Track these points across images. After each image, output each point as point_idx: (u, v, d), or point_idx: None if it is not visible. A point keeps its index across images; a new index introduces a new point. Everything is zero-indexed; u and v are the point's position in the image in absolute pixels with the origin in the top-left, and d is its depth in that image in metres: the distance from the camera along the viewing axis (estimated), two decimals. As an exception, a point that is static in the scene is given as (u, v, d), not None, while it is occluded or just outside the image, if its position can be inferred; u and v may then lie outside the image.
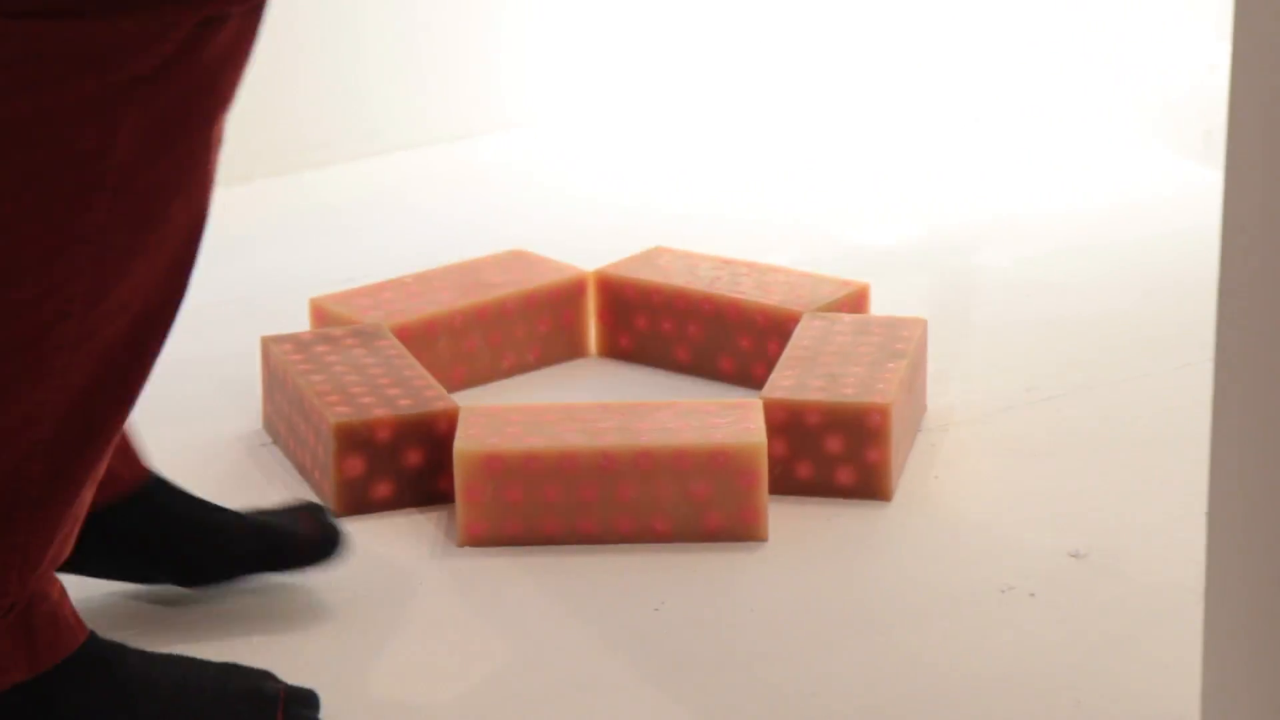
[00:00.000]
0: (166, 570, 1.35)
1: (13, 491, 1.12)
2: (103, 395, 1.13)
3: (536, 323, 1.75)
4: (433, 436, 1.49)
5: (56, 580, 1.18)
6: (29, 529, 1.13)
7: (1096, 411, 1.66)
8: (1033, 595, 1.34)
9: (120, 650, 1.21)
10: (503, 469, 1.42)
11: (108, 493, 1.30)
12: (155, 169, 1.09)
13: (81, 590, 1.32)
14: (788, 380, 1.53)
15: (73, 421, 1.13)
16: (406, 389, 1.52)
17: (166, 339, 1.16)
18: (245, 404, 1.70)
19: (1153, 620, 1.31)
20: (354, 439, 1.47)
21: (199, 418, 1.68)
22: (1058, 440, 1.60)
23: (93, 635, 1.20)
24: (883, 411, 1.48)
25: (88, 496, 1.17)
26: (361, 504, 1.48)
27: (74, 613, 1.19)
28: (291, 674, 1.27)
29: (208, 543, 1.35)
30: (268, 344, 1.62)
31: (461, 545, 1.43)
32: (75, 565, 1.28)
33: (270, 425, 1.63)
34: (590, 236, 2.04)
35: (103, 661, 1.19)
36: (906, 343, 1.59)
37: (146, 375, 1.16)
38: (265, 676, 1.23)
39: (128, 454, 1.34)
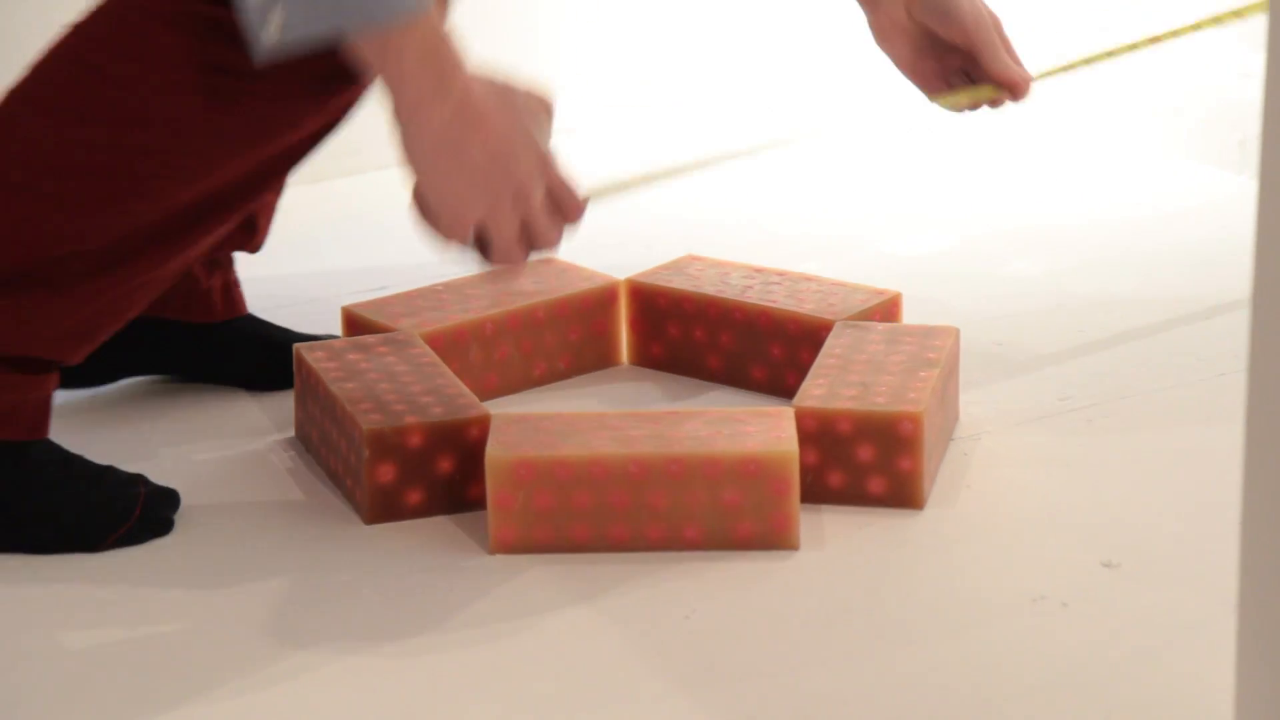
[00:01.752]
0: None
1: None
2: (157, 241, 1.41)
3: (568, 331, 1.75)
4: (464, 444, 1.49)
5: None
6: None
7: (1130, 422, 1.65)
8: (1065, 605, 1.34)
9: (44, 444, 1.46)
10: (533, 476, 1.42)
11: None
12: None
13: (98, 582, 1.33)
14: (819, 389, 1.52)
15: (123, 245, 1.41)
16: (438, 396, 1.52)
17: (224, 223, 1.45)
18: (278, 412, 1.70)
19: (1186, 631, 1.30)
20: (386, 446, 1.47)
21: (233, 425, 1.68)
22: (1091, 450, 1.59)
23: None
24: (914, 420, 1.48)
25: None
26: (393, 510, 1.49)
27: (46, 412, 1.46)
28: (322, 682, 1.28)
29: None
30: (300, 352, 1.63)
31: (492, 552, 1.43)
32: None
33: (303, 432, 1.63)
34: (622, 244, 2.04)
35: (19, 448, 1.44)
36: (939, 351, 1.58)
37: (198, 244, 1.45)
38: (137, 478, 1.48)
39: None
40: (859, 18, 1.71)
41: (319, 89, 1.41)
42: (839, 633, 1.32)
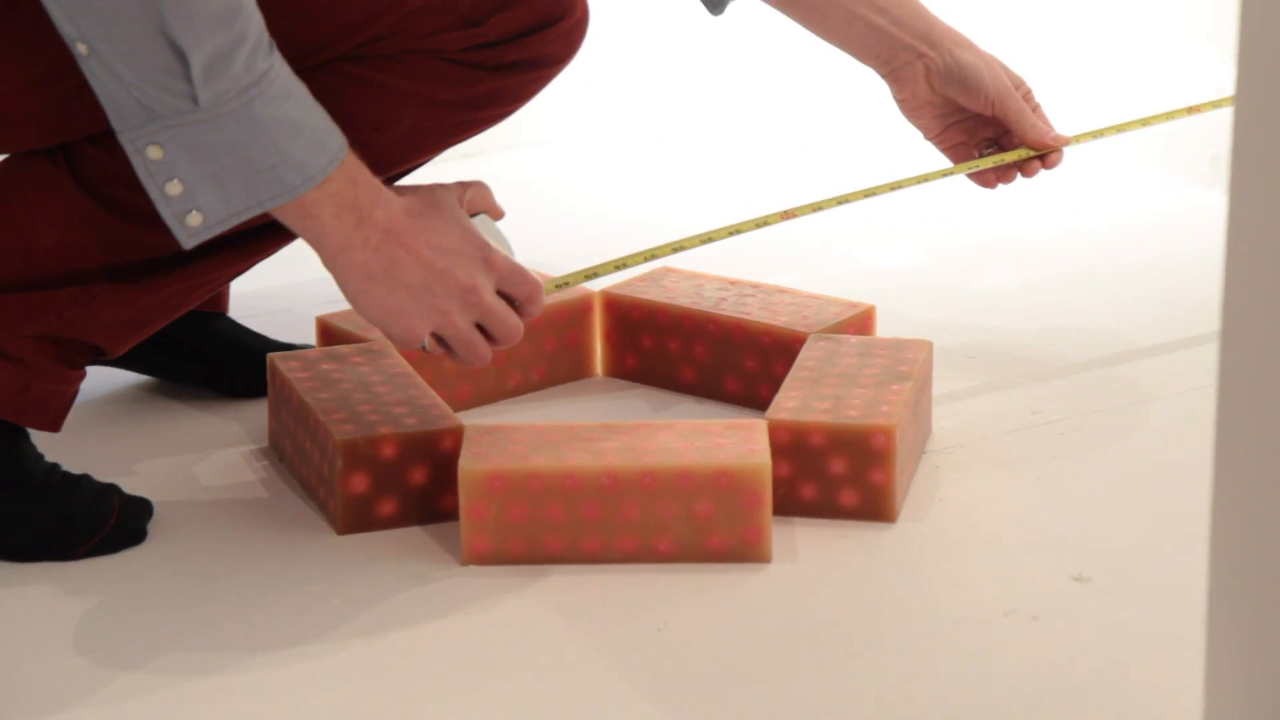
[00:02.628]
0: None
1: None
2: (222, 249, 1.47)
3: (542, 342, 1.75)
4: (438, 454, 1.49)
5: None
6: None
7: (1101, 435, 1.66)
8: (1035, 618, 1.34)
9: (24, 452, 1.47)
10: (506, 487, 1.42)
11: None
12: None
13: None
14: (792, 401, 1.53)
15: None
16: (412, 407, 1.52)
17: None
18: (251, 422, 1.70)
19: (1156, 644, 1.31)
20: (359, 456, 1.47)
21: (206, 435, 1.68)
22: (1062, 464, 1.60)
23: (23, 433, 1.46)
24: (887, 433, 1.48)
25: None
26: (366, 521, 1.49)
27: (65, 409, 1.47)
28: (291, 690, 1.27)
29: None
30: (274, 361, 1.63)
31: (465, 563, 1.43)
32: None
33: (276, 442, 1.63)
34: (596, 255, 2.04)
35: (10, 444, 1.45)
36: (912, 365, 1.59)
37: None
38: (110, 488, 1.48)
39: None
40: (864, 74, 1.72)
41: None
42: (811, 645, 1.32)
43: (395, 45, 1.43)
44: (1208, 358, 1.81)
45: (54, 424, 1.47)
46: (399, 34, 1.43)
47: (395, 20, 1.42)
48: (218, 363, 1.74)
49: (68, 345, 1.45)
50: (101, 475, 1.52)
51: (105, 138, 1.37)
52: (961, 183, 2.47)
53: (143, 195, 1.31)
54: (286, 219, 1.33)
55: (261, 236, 1.48)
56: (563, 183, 2.56)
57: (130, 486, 1.52)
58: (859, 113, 2.63)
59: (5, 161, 1.45)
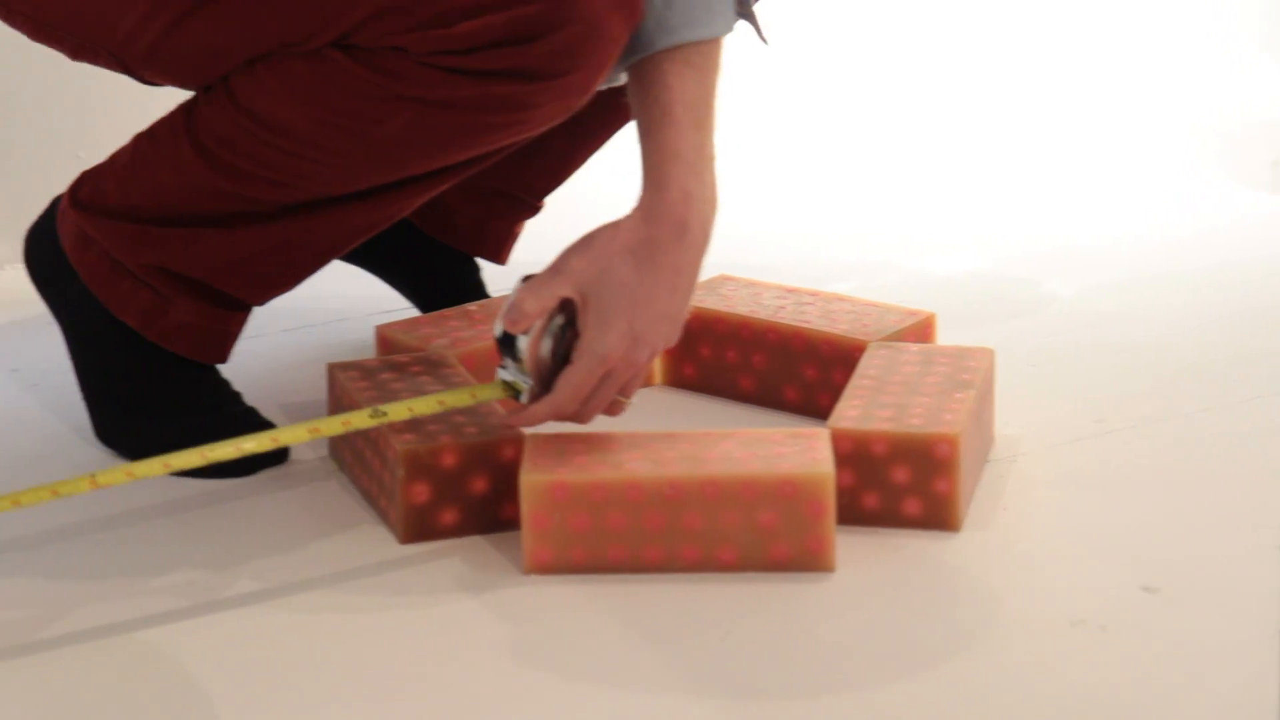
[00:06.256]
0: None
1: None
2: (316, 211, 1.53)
3: (601, 351, 1.75)
4: (499, 464, 1.48)
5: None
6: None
7: (1166, 443, 1.64)
8: (1104, 629, 1.33)
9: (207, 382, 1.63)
10: (568, 497, 1.42)
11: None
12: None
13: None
14: (854, 410, 1.52)
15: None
16: (472, 416, 1.52)
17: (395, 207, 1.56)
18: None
19: (1227, 655, 1.29)
20: (420, 466, 1.47)
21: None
22: (1127, 472, 1.59)
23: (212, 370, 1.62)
24: (950, 442, 1.47)
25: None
26: (427, 530, 1.48)
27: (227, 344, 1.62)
28: (354, 701, 1.27)
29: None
30: (334, 371, 1.62)
31: (526, 572, 1.43)
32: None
33: (336, 452, 1.63)
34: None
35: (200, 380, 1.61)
36: (974, 373, 1.58)
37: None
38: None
39: None
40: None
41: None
42: (875, 654, 1.31)
43: (367, 41, 1.43)
44: (1272, 365, 1.79)
45: (199, 352, 1.59)
46: (365, 31, 1.43)
47: (361, 19, 1.42)
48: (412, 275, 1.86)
49: (186, 282, 1.56)
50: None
51: (213, 91, 1.49)
52: (1023, 190, 2.44)
53: (235, 151, 1.47)
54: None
55: (345, 205, 1.53)
56: (614, 195, 2.55)
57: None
58: (913, 117, 2.62)
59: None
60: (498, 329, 1.46)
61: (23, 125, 2.16)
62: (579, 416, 1.48)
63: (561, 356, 1.46)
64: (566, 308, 1.45)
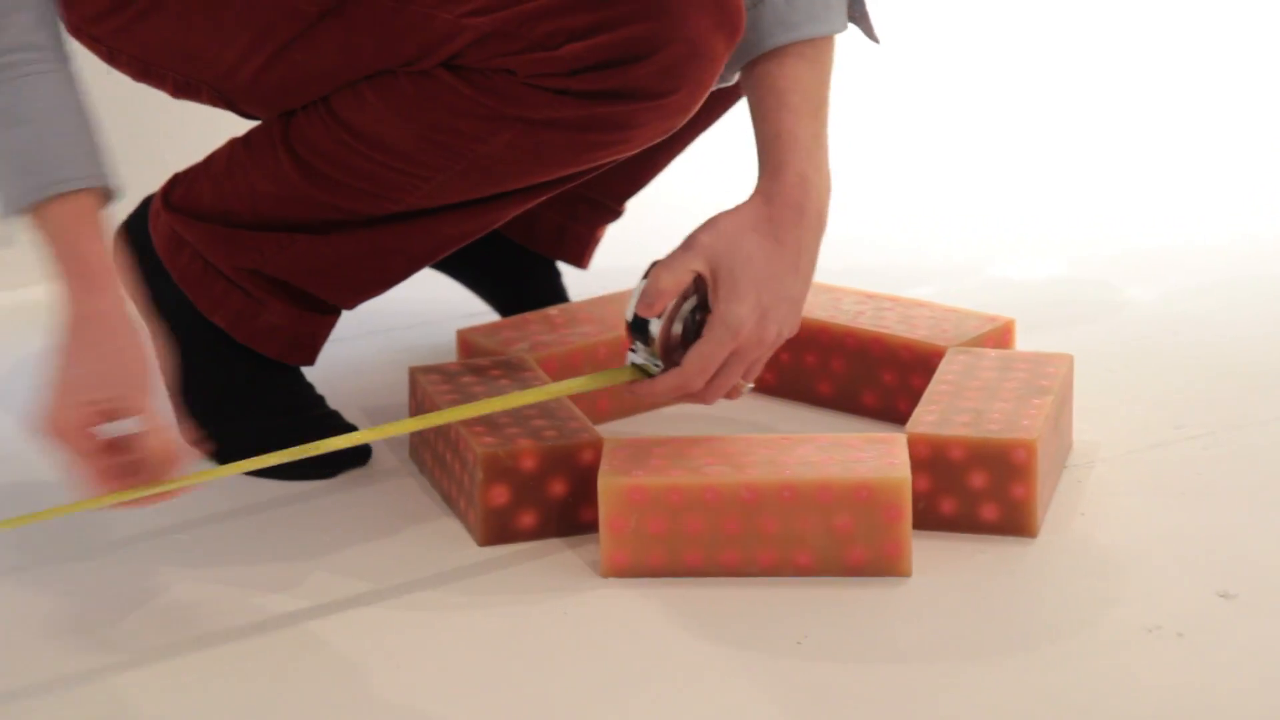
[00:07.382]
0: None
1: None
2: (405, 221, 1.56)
3: (680, 355, 1.75)
4: (577, 467, 1.50)
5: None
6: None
7: (1246, 450, 1.63)
8: (1180, 635, 1.33)
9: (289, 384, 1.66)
10: (646, 500, 1.43)
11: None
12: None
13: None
14: (932, 415, 1.52)
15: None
16: (551, 420, 1.53)
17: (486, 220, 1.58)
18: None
19: (1304, 663, 1.29)
20: (499, 468, 1.48)
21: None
22: (1206, 479, 1.58)
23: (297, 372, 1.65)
24: (1028, 447, 1.47)
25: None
26: (506, 533, 1.50)
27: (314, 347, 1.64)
28: (432, 703, 1.29)
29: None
30: (416, 375, 1.64)
31: (604, 575, 1.44)
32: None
33: (416, 455, 1.65)
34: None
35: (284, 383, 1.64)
36: (1052, 379, 1.58)
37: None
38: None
39: None
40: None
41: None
42: (952, 660, 1.32)
43: (473, 63, 1.45)
44: (1354, 371, 1.78)
45: (288, 355, 1.61)
46: (470, 56, 1.45)
47: (463, 46, 1.44)
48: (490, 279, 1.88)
49: (278, 285, 1.59)
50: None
51: (313, 107, 1.52)
52: (1103, 194, 2.43)
53: (332, 163, 1.50)
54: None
55: (434, 218, 1.56)
56: (692, 200, 2.56)
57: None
58: (994, 122, 2.62)
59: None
60: (629, 313, 1.47)
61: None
62: (704, 395, 1.48)
63: (691, 340, 1.47)
64: (698, 289, 1.46)
